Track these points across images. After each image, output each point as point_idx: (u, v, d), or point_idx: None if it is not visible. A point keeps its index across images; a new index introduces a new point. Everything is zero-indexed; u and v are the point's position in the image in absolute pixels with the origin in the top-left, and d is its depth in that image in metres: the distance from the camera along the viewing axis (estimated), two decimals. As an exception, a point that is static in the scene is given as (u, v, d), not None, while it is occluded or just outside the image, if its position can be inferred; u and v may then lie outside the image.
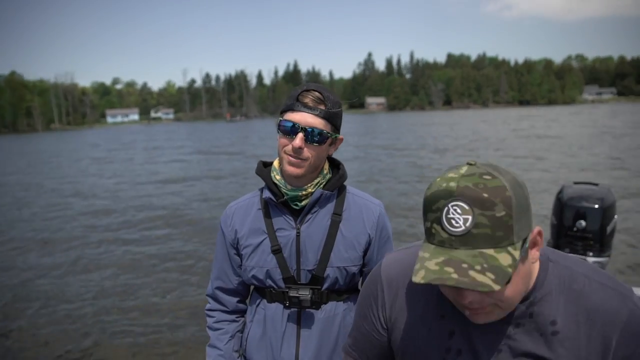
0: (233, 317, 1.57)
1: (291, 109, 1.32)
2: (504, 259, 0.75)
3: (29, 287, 6.37)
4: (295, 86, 1.44)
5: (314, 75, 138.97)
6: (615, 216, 3.00)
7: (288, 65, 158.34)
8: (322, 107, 1.31)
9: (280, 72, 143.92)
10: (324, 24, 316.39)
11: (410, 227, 8.85)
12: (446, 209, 0.77)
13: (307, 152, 1.33)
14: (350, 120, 66.64)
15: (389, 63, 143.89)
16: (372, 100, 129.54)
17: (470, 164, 0.82)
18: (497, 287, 0.72)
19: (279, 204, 1.40)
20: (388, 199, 11.33)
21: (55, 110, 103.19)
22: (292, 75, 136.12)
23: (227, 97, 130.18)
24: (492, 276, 0.73)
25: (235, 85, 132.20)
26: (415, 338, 0.98)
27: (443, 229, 0.78)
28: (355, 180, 14.24)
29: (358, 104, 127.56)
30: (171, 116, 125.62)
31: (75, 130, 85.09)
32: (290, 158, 1.33)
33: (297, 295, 1.39)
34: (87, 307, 5.60)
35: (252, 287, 1.55)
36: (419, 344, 0.97)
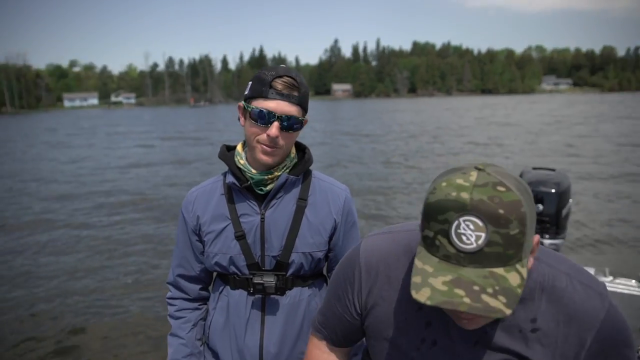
0: (195, 304, 1.54)
1: (264, 96, 1.26)
2: (513, 278, 0.71)
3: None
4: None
5: (279, 61, 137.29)
6: (570, 200, 3.11)
7: (254, 50, 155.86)
8: (296, 93, 1.28)
9: (246, 58, 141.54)
10: (290, 10, 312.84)
11: (377, 210, 9.00)
12: (457, 222, 0.71)
13: (281, 141, 1.29)
14: (316, 107, 66.55)
15: (355, 50, 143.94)
16: (338, 87, 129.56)
17: (480, 169, 0.75)
18: (508, 312, 0.68)
19: (243, 189, 1.36)
20: (355, 184, 11.47)
21: (6, 94, 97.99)
22: (258, 61, 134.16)
23: (191, 82, 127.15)
24: (504, 300, 0.69)
25: (200, 70, 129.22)
26: (390, 326, 0.97)
27: (451, 243, 0.72)
28: (322, 165, 14.29)
29: (324, 91, 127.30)
30: (133, 101, 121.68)
31: (29, 115, 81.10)
32: (265, 148, 1.29)
33: (262, 281, 1.36)
34: (54, 289, 5.50)
35: (214, 274, 1.51)
36: (394, 333, 0.96)
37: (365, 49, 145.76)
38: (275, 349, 1.40)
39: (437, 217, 0.73)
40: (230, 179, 1.37)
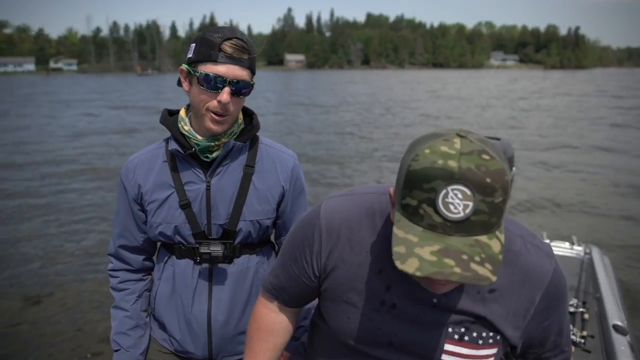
0: (139, 275, 1.48)
1: (213, 59, 1.19)
2: (495, 245, 0.71)
3: None
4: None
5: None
6: (514, 168, 3.25)
7: (204, 17, 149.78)
8: (246, 56, 1.22)
9: (196, 25, 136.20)
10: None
11: (331, 178, 9.11)
12: (444, 191, 0.69)
13: (232, 107, 1.24)
14: (269, 78, 65.47)
15: (309, 20, 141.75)
16: (291, 58, 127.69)
17: (462, 136, 0.73)
18: (494, 279, 0.68)
19: (187, 156, 1.30)
20: (309, 152, 11.58)
21: None
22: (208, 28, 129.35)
23: (138, 49, 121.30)
24: (490, 267, 0.69)
25: (147, 36, 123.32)
26: (350, 289, 0.96)
27: (437, 212, 0.70)
28: (276, 135, 14.25)
29: (277, 61, 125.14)
30: (74, 67, 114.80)
31: (-46, 80, 74.88)
32: (214, 116, 1.23)
33: (209, 251, 1.33)
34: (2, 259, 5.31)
35: (159, 244, 1.46)
36: (354, 296, 0.95)
37: (319, 19, 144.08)
38: (223, 317, 1.39)
39: (421, 186, 0.71)
40: (173, 145, 1.31)
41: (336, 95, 32.30)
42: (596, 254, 3.03)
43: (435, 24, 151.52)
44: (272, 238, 1.52)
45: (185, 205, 1.32)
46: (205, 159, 1.31)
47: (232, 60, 1.19)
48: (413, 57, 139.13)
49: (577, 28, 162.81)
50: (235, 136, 1.33)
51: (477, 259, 0.69)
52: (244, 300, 1.41)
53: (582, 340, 2.12)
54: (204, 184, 1.32)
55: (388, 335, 0.94)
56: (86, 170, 9.95)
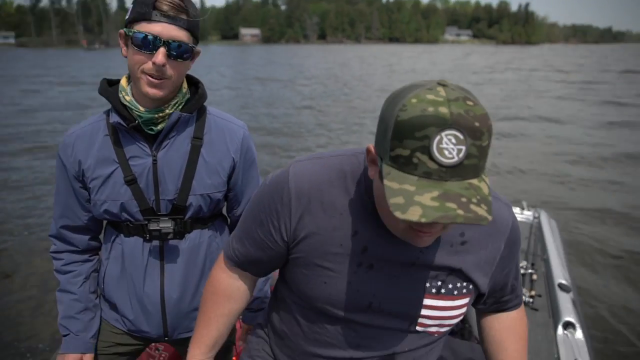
0: (85, 256, 1.42)
1: (146, 18, 1.12)
2: (484, 188, 0.73)
3: None
4: None
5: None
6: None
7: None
8: (184, 16, 1.15)
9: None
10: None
11: (288, 151, 9.10)
12: (438, 137, 0.69)
13: (169, 70, 1.17)
14: (224, 52, 63.84)
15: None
16: (246, 32, 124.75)
17: (444, 85, 0.75)
18: (491, 218, 0.70)
19: (130, 129, 1.24)
20: (266, 125, 11.60)
21: None
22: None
23: (83, 22, 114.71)
24: (485, 208, 0.71)
25: (92, 8, 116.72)
26: (325, 253, 0.94)
27: (432, 159, 0.70)
28: (232, 108, 14.09)
29: (231, 35, 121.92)
30: (12, 41, 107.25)
31: None
32: (150, 78, 1.16)
33: (158, 227, 1.28)
34: None
35: (105, 222, 1.40)
36: (329, 260, 0.94)
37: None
38: (177, 294, 1.35)
39: (414, 134, 0.71)
40: (114, 118, 1.23)
41: (293, 70, 31.98)
42: (544, 217, 3.17)
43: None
44: (224, 211, 1.48)
45: (131, 181, 1.26)
46: (150, 132, 1.25)
47: (167, 18, 1.12)
48: (369, 32, 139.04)
49: (527, 4, 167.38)
50: (180, 107, 1.27)
51: (474, 200, 0.71)
52: (197, 275, 1.38)
53: (531, 300, 2.25)
54: (150, 158, 1.26)
55: (367, 296, 0.94)
56: (35, 148, 9.45)
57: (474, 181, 0.73)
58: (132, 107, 1.22)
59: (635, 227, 5.69)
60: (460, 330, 1.91)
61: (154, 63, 1.13)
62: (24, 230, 5.47)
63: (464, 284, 0.96)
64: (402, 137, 0.72)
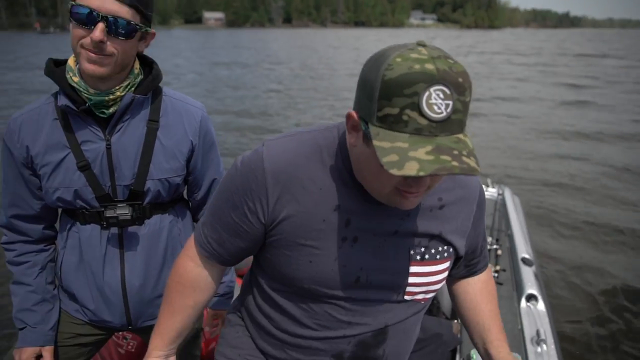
0: (40, 246, 1.36)
1: None
2: (469, 142, 0.75)
3: None
4: None
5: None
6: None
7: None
8: None
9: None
10: None
11: (255, 133, 9.12)
12: (427, 93, 0.70)
13: (110, 47, 1.11)
14: (187, 37, 62.26)
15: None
16: (209, 15, 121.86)
17: (423, 45, 0.76)
18: (480, 170, 0.73)
19: (81, 112, 1.18)
20: (233, 107, 11.61)
21: None
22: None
23: (35, 4, 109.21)
24: (474, 160, 0.73)
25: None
26: (308, 231, 0.91)
27: (422, 115, 0.71)
28: (197, 92, 13.95)
29: (195, 19, 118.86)
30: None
31: None
32: (90, 54, 1.10)
33: (115, 214, 1.24)
34: None
35: (60, 210, 1.34)
36: (313, 237, 0.91)
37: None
38: (138, 281, 1.32)
39: (402, 92, 0.71)
40: (63, 100, 1.17)
41: (258, 54, 31.61)
42: (508, 194, 3.25)
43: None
44: (185, 195, 1.44)
45: (85, 167, 1.20)
46: (101, 115, 1.19)
47: None
48: (335, 16, 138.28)
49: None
50: (133, 88, 1.21)
51: (464, 153, 0.72)
52: (159, 262, 1.34)
53: (496, 274, 2.33)
54: (103, 142, 1.21)
55: (355, 271, 0.93)
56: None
57: (460, 136, 0.75)
58: (81, 89, 1.16)
59: (590, 196, 6.19)
60: (429, 306, 1.96)
61: (92, 39, 1.08)
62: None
63: (445, 247, 0.98)
64: (391, 96, 0.72)
